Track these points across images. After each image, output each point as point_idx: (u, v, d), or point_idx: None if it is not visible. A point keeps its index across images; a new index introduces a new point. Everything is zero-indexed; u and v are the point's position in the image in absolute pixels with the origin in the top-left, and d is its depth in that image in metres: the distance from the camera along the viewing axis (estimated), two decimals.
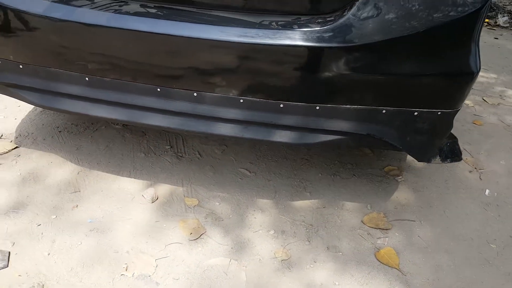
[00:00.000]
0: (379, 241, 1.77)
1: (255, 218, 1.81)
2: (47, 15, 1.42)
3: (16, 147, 2.09)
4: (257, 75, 1.39)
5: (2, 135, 2.17)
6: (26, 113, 2.38)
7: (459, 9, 1.26)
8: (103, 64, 1.45)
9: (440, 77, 1.36)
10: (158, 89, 1.45)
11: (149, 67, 1.43)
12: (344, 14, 1.34)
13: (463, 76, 1.35)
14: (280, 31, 1.34)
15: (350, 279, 1.59)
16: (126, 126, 2.31)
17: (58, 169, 1.97)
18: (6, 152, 2.04)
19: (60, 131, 2.24)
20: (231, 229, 1.74)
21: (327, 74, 1.34)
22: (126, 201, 1.82)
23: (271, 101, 1.41)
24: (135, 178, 1.96)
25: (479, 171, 2.26)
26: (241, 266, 1.59)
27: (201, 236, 1.69)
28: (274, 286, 1.52)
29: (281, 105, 1.42)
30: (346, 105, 1.41)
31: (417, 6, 1.29)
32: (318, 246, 1.71)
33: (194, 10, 1.41)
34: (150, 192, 1.85)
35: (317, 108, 1.41)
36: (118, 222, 1.71)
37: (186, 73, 1.42)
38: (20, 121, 2.31)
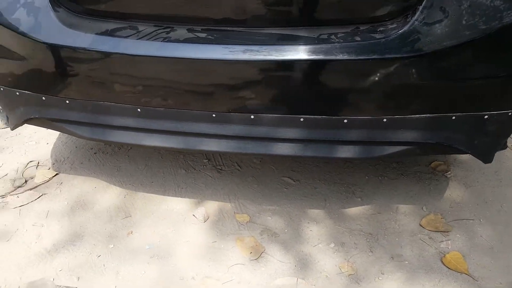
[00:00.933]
0: (442, 245, 1.72)
1: (311, 230, 1.77)
2: (95, 49, 1.37)
3: (56, 174, 2.05)
4: (321, 92, 1.33)
5: (38, 163, 2.12)
6: (56, 136, 2.33)
7: None
8: (155, 94, 1.40)
9: None
10: (213, 115, 1.40)
11: (204, 94, 1.38)
12: (408, 20, 1.27)
13: None
14: (342, 44, 1.27)
15: None
16: None
17: (104, 194, 1.92)
18: (47, 181, 2.00)
19: (95, 153, 2.20)
20: (290, 245, 1.69)
21: (396, 85, 1.29)
22: (178, 222, 1.78)
23: (335, 118, 1.36)
24: (181, 197, 1.91)
25: None
26: (310, 285, 1.55)
27: (262, 255, 1.65)
28: None
29: (345, 121, 1.36)
30: (415, 114, 1.35)
31: (486, 7, 1.22)
32: (382, 256, 1.67)
33: (245, 30, 1.35)
34: (201, 211, 1.81)
35: (384, 120, 1.36)
36: (175, 246, 1.67)
37: (242, 97, 1.36)
38: (52, 145, 2.27)
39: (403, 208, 1.89)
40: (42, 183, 1.98)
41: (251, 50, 1.31)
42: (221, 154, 2.17)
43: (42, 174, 2.03)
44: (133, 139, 1.50)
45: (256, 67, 1.31)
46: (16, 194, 1.91)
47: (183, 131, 1.45)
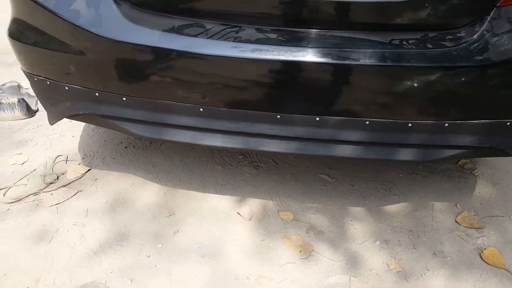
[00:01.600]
0: (478, 241, 1.78)
1: (355, 228, 1.79)
2: (161, 47, 1.33)
3: (89, 170, 2.00)
4: (389, 97, 1.34)
5: (67, 158, 2.06)
6: (81, 129, 2.27)
7: None
8: (220, 94, 1.37)
9: None
10: (278, 116, 1.39)
11: (270, 96, 1.36)
12: (476, 30, 1.29)
13: None
14: (415, 51, 1.28)
15: (466, 284, 1.60)
16: None
17: (143, 191, 1.89)
18: (80, 177, 1.95)
19: (126, 147, 2.15)
20: (337, 243, 1.72)
21: (461, 92, 1.31)
22: (223, 220, 1.77)
23: (400, 121, 1.37)
24: (222, 194, 1.90)
25: None
26: (362, 282, 1.58)
27: (311, 254, 1.67)
28: None
29: (410, 124, 1.38)
30: (474, 120, 1.39)
31: None
32: (425, 253, 1.71)
33: (314, 31, 1.34)
34: (245, 209, 1.81)
35: (446, 125, 1.38)
36: (224, 245, 1.67)
37: (310, 99, 1.36)
38: (79, 138, 2.21)
39: (438, 205, 1.94)
40: (75, 179, 1.93)
41: (322, 53, 1.30)
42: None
43: (74, 170, 1.97)
44: (192, 139, 1.47)
45: (327, 70, 1.31)
46: (49, 191, 1.85)
47: (245, 131, 1.43)
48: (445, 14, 1.31)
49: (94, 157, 2.07)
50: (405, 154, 1.44)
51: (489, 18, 1.29)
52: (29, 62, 1.53)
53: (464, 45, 1.28)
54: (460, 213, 1.90)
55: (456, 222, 1.86)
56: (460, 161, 2.20)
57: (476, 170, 2.16)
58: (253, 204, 1.85)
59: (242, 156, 2.13)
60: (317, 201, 1.90)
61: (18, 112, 2.32)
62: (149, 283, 1.51)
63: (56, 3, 1.36)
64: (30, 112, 2.37)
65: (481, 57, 1.27)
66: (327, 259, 1.65)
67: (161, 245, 1.65)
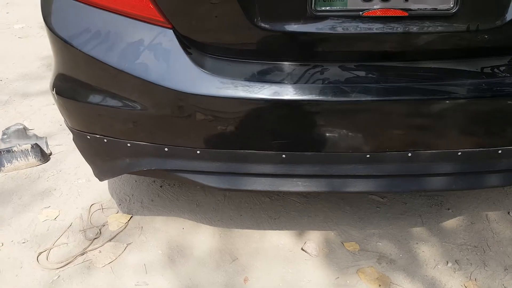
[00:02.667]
0: None
1: (423, 251, 1.75)
2: (239, 96, 1.22)
3: (131, 217, 1.85)
4: (485, 126, 1.29)
5: (102, 206, 1.91)
6: None
7: None
8: (306, 139, 1.28)
9: None
10: (368, 156, 1.31)
11: (362, 136, 1.28)
12: None
13: None
14: (506, 79, 1.24)
15: None
16: None
17: (196, 235, 1.77)
18: (124, 227, 1.80)
19: (161, 186, 2.02)
20: (411, 271, 1.67)
21: None
22: (289, 260, 1.68)
23: (491, 149, 1.33)
24: (279, 230, 1.81)
25: None
26: None
27: (390, 286, 1.60)
28: None
29: (500, 151, 1.34)
30: None
31: None
32: (497, 269, 1.69)
33: (403, 65, 1.27)
34: (310, 245, 1.72)
35: None
36: None
37: (404, 135, 1.29)
38: (107, 182, 2.04)
39: (491, 215, 1.93)
40: (120, 231, 1.78)
41: (415, 88, 1.24)
42: None
43: (116, 220, 1.82)
44: (272, 186, 1.37)
45: (424, 105, 1.24)
46: (96, 248, 1.70)
47: (330, 174, 1.35)
48: None
49: (131, 202, 1.92)
50: (494, 181, 1.40)
51: None
52: (82, 120, 1.37)
53: None
54: None
55: None
56: None
57: None
58: (314, 237, 1.77)
59: None
60: (377, 226, 1.84)
61: (32, 159, 2.13)
62: None
63: (119, 59, 1.22)
64: (45, 157, 2.18)
65: None
66: None
67: None
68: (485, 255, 1.74)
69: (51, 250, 1.70)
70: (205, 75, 1.22)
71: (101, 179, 1.57)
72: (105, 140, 1.37)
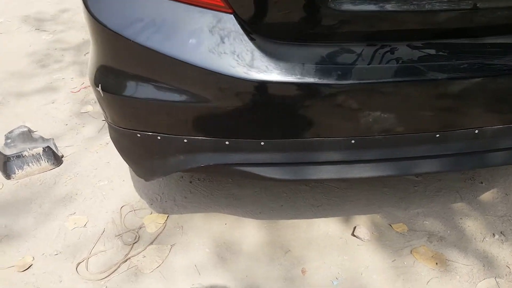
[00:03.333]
0: None
1: (468, 226, 1.75)
2: (310, 82, 1.14)
3: (167, 217, 1.75)
4: None
5: (133, 208, 1.79)
6: (127, 170, 1.99)
7: None
8: (379, 122, 1.22)
9: None
10: (437, 135, 1.27)
11: (434, 115, 1.24)
12: None
13: None
14: None
15: None
16: None
17: (241, 229, 1.70)
18: (163, 228, 1.70)
19: (190, 182, 1.92)
20: (462, 246, 1.66)
21: None
22: (343, 247, 1.64)
23: None
24: (324, 217, 1.76)
25: None
26: (508, 282, 1.53)
27: (447, 263, 1.59)
28: None
29: None
30: None
31: None
32: None
33: (472, 41, 1.23)
34: (362, 230, 1.68)
35: None
36: (361, 276, 1.54)
37: (474, 113, 1.26)
38: (131, 181, 1.93)
39: None
40: (160, 232, 1.68)
41: (485, 65, 1.20)
42: None
43: (152, 221, 1.72)
44: (338, 173, 1.31)
45: (492, 81, 1.21)
46: (139, 253, 1.59)
47: (398, 157, 1.30)
48: None
49: (162, 201, 1.82)
50: None
51: None
52: (132, 117, 1.26)
53: None
54: None
55: None
56: None
57: None
58: (361, 222, 1.73)
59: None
60: (419, 205, 1.82)
61: (45, 163, 1.97)
62: None
63: (178, 48, 1.11)
64: (58, 160, 2.03)
65: None
66: (463, 265, 1.58)
67: None
68: None
69: (89, 259, 1.57)
70: (271, 61, 1.13)
71: (147, 179, 1.46)
72: (159, 138, 1.26)
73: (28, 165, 1.94)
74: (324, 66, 1.15)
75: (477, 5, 1.17)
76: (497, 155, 1.37)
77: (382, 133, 1.25)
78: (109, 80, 1.23)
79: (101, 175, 1.96)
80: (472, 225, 1.74)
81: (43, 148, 1.96)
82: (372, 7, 1.13)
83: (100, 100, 1.30)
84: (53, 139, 2.13)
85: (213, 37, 1.12)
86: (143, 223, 1.71)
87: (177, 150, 1.28)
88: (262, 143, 1.24)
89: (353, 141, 1.25)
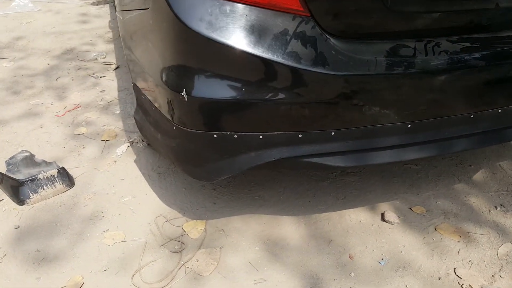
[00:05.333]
0: None
1: (473, 202, 1.97)
2: (376, 73, 1.29)
3: (206, 222, 1.78)
4: None
5: (167, 218, 1.80)
6: (146, 184, 1.99)
7: None
8: (429, 107, 1.39)
9: None
10: (472, 116, 1.47)
11: (471, 97, 1.44)
12: None
13: None
14: None
15: None
16: None
17: (279, 227, 1.77)
18: (205, 232, 1.73)
19: (214, 189, 1.97)
20: (475, 219, 1.87)
21: None
22: (377, 232, 1.78)
23: None
24: (352, 208, 1.90)
25: None
26: None
27: (467, 235, 1.79)
28: None
29: None
30: None
31: None
32: None
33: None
34: (391, 215, 1.84)
35: None
36: (402, 254, 1.68)
37: (499, 94, 1.48)
38: (155, 194, 1.94)
39: (504, 164, 2.24)
40: (204, 237, 1.70)
41: None
42: None
43: (192, 227, 1.74)
44: (394, 157, 1.46)
45: None
46: (191, 259, 1.61)
47: (441, 137, 1.48)
48: None
49: (193, 209, 1.84)
50: None
51: None
52: (214, 118, 1.30)
53: None
54: None
55: None
56: None
57: None
58: (385, 208, 1.89)
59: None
60: (427, 189, 2.01)
61: (60, 185, 1.91)
62: None
63: (266, 49, 1.21)
64: (72, 182, 1.97)
65: None
66: (481, 235, 1.78)
67: (353, 274, 1.58)
68: None
69: (142, 270, 1.55)
70: (346, 56, 1.26)
71: (210, 180, 1.50)
72: (235, 136, 1.32)
73: (43, 189, 1.86)
74: (388, 59, 1.30)
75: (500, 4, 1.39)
76: None
77: (434, 117, 1.41)
78: (194, 84, 1.27)
79: (122, 192, 1.93)
80: (476, 201, 1.96)
81: (57, 169, 1.90)
82: (426, 8, 1.31)
83: (178, 105, 1.32)
84: (55, 162, 2.05)
85: (294, 38, 1.23)
86: (184, 231, 1.72)
87: (251, 147, 1.34)
88: (333, 133, 1.34)
89: (409, 126, 1.40)
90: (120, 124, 2.43)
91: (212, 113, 1.30)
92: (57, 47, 3.49)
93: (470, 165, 2.20)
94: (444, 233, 1.77)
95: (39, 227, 1.74)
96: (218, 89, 1.27)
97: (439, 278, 1.58)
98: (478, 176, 2.13)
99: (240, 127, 1.32)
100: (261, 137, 1.32)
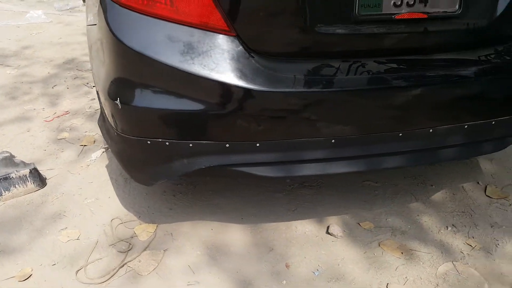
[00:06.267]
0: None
1: (425, 221, 2.01)
2: (297, 90, 1.38)
3: (157, 226, 1.88)
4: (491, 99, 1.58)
5: (122, 220, 1.92)
6: (111, 188, 2.11)
7: None
8: (354, 123, 1.47)
9: None
10: (400, 134, 1.53)
11: (398, 117, 1.50)
12: None
13: None
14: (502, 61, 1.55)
15: None
16: None
17: (227, 233, 1.86)
18: (154, 236, 1.83)
19: (174, 195, 2.07)
20: (422, 237, 1.91)
21: None
22: (319, 243, 1.84)
23: (490, 120, 1.63)
24: (300, 219, 1.96)
25: None
26: (464, 264, 1.79)
27: (410, 252, 1.83)
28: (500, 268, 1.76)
29: (493, 122, 1.65)
30: None
31: None
32: (485, 227, 1.99)
33: (425, 57, 1.52)
34: (335, 228, 1.90)
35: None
36: (338, 266, 1.74)
37: (426, 115, 1.53)
38: (117, 198, 2.05)
39: (466, 186, 2.26)
40: (151, 240, 1.81)
41: (437, 75, 1.51)
42: None
43: (143, 230, 1.84)
44: (320, 170, 1.53)
45: (442, 88, 1.51)
46: (135, 258, 1.71)
47: (368, 154, 1.54)
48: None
49: (149, 213, 1.95)
50: (489, 147, 1.69)
51: None
52: (146, 126, 1.42)
53: None
54: (485, 188, 2.23)
55: (487, 196, 2.19)
56: None
57: None
58: (333, 222, 1.95)
59: (289, 180, 2.19)
60: (381, 206, 2.06)
61: (31, 185, 2.05)
62: None
63: (193, 64, 1.31)
64: (43, 182, 2.11)
65: None
66: (424, 253, 1.82)
67: (285, 282, 1.65)
68: (472, 218, 2.03)
69: (87, 267, 1.67)
70: (268, 74, 1.35)
71: (149, 184, 1.61)
72: (167, 143, 1.43)
73: (15, 187, 2.01)
74: (310, 77, 1.39)
75: (428, 29, 1.46)
76: (450, 150, 1.64)
77: (358, 133, 1.49)
78: (126, 94, 1.40)
79: (87, 194, 2.06)
80: (428, 220, 2.00)
81: (29, 170, 2.04)
82: (347, 31, 1.40)
83: (115, 113, 1.45)
84: (33, 163, 2.20)
85: (220, 55, 1.33)
86: (134, 233, 1.83)
87: (183, 154, 1.45)
88: (258, 144, 1.44)
89: (333, 141, 1.48)
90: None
91: (144, 120, 1.42)
92: (60, 56, 3.71)
93: (432, 185, 2.23)
94: (386, 249, 1.82)
95: (5, 222, 1.89)
96: (149, 99, 1.39)
97: None
98: (437, 196, 2.17)
99: (170, 134, 1.43)
100: (191, 145, 1.43)
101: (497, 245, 1.88)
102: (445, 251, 1.83)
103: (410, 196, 2.14)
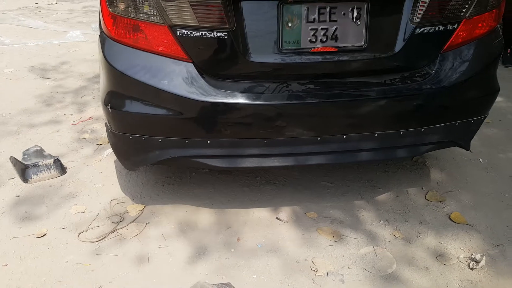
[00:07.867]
0: (445, 210, 2.51)
1: (362, 215, 2.44)
2: (235, 102, 1.89)
3: (145, 206, 2.42)
4: (392, 115, 2.03)
5: (119, 201, 2.46)
6: (116, 177, 2.67)
7: None
8: (280, 129, 1.96)
9: None
10: (318, 138, 2.01)
11: (316, 125, 1.98)
12: (432, 69, 2.04)
13: None
14: (403, 86, 2.00)
15: (446, 238, 2.30)
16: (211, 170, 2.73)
17: (198, 214, 2.36)
18: (141, 213, 2.37)
19: (163, 185, 2.60)
20: (355, 227, 2.34)
21: (435, 105, 2.06)
22: (269, 226, 2.31)
23: (396, 131, 2.07)
24: (259, 207, 2.44)
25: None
26: (382, 249, 2.21)
27: (341, 237, 2.27)
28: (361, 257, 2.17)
29: (401, 132, 2.09)
30: (442, 123, 2.13)
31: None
32: (414, 223, 2.39)
33: (336, 80, 2.00)
34: (283, 214, 2.37)
35: (423, 130, 2.11)
36: (278, 242, 2.20)
37: (339, 124, 2.01)
38: (118, 185, 2.60)
39: (410, 190, 2.66)
40: (138, 215, 2.34)
41: (345, 93, 1.97)
42: (265, 172, 2.74)
43: (133, 208, 2.38)
44: (258, 163, 2.03)
45: (350, 104, 1.97)
46: (123, 227, 2.25)
47: (295, 152, 2.03)
48: (414, 60, 2.04)
49: (141, 197, 2.49)
50: (401, 153, 2.13)
51: (437, 61, 2.05)
52: (127, 125, 1.97)
53: (428, 78, 2.02)
54: (426, 193, 2.63)
55: (426, 199, 2.58)
56: (414, 157, 2.97)
57: (427, 162, 2.94)
58: (285, 211, 2.41)
59: (259, 178, 2.69)
60: (329, 201, 2.51)
61: (54, 172, 2.65)
62: (237, 276, 2.00)
63: (160, 82, 1.86)
64: (64, 170, 2.70)
65: (438, 84, 2.02)
66: (353, 238, 2.26)
67: (233, 250, 2.14)
68: (406, 215, 2.45)
69: (87, 231, 2.22)
70: (214, 90, 1.88)
71: (132, 169, 2.16)
72: (143, 138, 1.97)
73: (42, 173, 2.61)
74: (246, 93, 1.90)
75: (339, 59, 1.95)
76: (362, 154, 2.10)
77: (284, 137, 1.98)
78: (114, 101, 1.96)
79: (96, 181, 2.64)
80: (366, 215, 2.43)
81: (53, 160, 2.65)
82: (274, 60, 1.91)
83: (108, 115, 2.02)
84: (58, 156, 2.81)
85: (180, 75, 1.88)
86: (127, 210, 2.38)
87: (155, 147, 1.99)
88: (209, 141, 1.96)
89: (265, 141, 1.98)
90: None
91: (127, 121, 1.97)
92: (91, 71, 4.40)
93: (380, 188, 2.67)
94: (322, 233, 2.28)
95: (32, 197, 2.49)
96: (130, 105, 1.94)
97: (297, 261, 2.10)
98: (382, 197, 2.60)
99: (145, 132, 1.97)
100: (160, 140, 1.97)
101: (418, 237, 2.29)
102: (371, 238, 2.26)
103: (357, 195, 2.58)
